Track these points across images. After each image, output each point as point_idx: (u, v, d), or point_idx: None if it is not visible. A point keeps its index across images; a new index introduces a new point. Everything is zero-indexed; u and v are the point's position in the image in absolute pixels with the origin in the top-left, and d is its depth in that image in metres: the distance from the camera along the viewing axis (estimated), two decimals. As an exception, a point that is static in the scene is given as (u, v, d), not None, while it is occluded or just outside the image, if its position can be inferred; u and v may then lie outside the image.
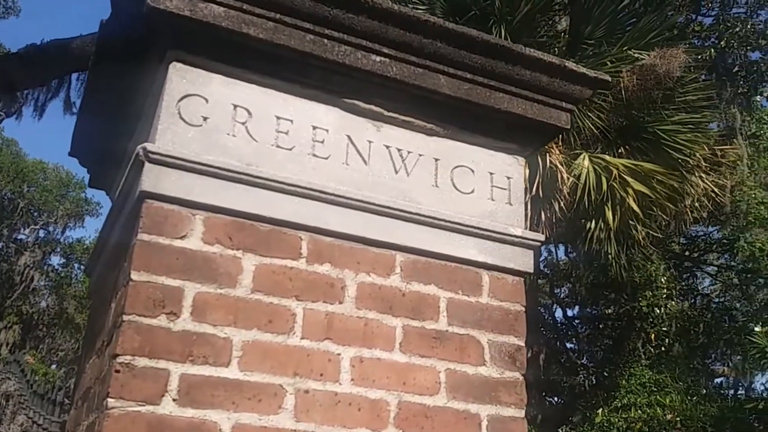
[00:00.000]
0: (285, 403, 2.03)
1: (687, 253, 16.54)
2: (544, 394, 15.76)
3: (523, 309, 2.44)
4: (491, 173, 2.54)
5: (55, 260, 29.82)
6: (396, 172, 2.40)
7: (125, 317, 1.94)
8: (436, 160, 2.48)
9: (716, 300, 17.19)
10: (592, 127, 8.55)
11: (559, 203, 8.44)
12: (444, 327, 2.30)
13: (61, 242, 29.72)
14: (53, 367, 25.75)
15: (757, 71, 16.60)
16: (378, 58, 2.33)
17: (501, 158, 2.58)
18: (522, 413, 2.30)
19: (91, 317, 3.16)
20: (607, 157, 8.83)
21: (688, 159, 9.20)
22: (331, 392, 2.09)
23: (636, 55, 8.78)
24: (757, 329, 9.17)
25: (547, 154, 8.27)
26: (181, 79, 2.19)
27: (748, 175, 13.50)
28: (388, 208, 2.30)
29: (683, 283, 16.23)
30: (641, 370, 12.34)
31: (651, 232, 9.28)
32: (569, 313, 18.42)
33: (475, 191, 2.49)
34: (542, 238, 2.59)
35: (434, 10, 8.70)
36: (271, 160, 2.22)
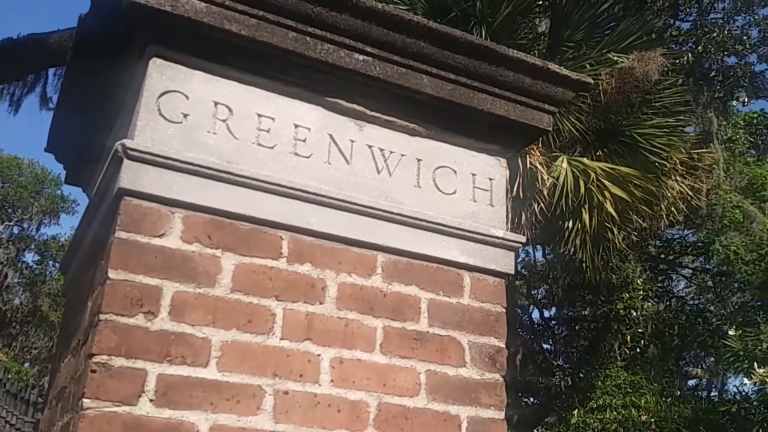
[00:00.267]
0: (264, 404, 2.01)
1: (663, 255, 16.69)
2: (520, 394, 15.81)
3: (504, 310, 2.44)
4: (473, 174, 2.54)
5: (29, 257, 29.52)
6: (378, 172, 2.39)
7: (102, 316, 1.91)
8: (419, 160, 2.47)
9: (691, 302, 17.34)
10: (572, 129, 8.61)
11: (539, 204, 8.49)
12: (425, 328, 2.29)
13: (36, 239, 29.41)
14: (26, 365, 25.47)
15: (733, 76, 16.79)
16: (361, 57, 2.32)
17: (483, 159, 2.58)
18: (502, 415, 2.30)
19: (66, 315, 3.11)
20: (586, 161, 8.90)
21: (664, 162, 9.31)
22: (311, 393, 2.08)
23: (615, 58, 8.85)
24: (730, 332, 9.25)
25: (528, 156, 8.32)
26: (161, 75, 2.16)
27: (724, 178, 13.68)
28: (370, 208, 2.29)
29: (659, 286, 16.38)
30: (617, 372, 12.43)
31: (628, 234, 9.36)
32: (546, 314, 18.58)
33: (457, 192, 2.48)
34: (523, 239, 2.59)
35: (415, 11, 8.69)
36: (252, 159, 2.20)
